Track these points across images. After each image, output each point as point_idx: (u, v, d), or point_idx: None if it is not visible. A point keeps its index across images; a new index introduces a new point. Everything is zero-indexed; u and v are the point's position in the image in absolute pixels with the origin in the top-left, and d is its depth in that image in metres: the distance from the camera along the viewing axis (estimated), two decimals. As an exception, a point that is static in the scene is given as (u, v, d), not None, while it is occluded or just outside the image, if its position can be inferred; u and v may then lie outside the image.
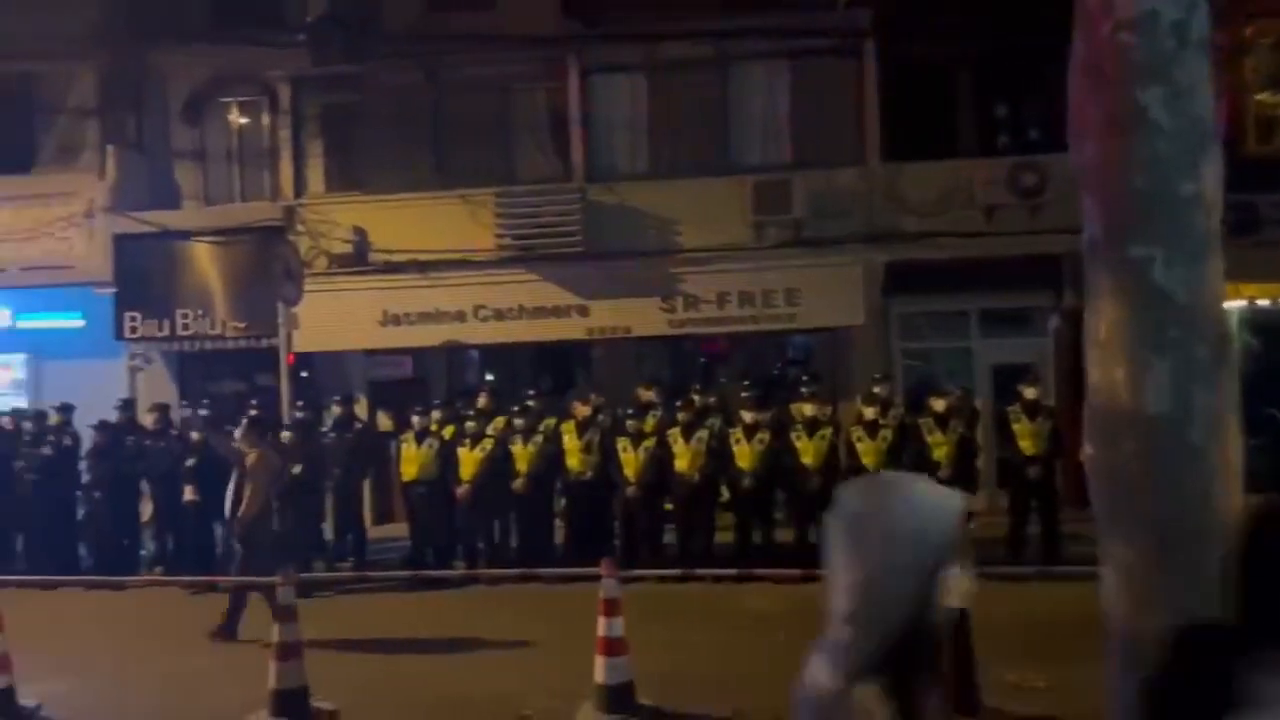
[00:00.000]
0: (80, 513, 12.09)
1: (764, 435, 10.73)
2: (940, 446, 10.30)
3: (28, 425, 12.30)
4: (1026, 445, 10.41)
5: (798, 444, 10.63)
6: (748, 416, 10.81)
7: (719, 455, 10.76)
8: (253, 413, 10.10)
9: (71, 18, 13.74)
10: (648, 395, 11.71)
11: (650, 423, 10.98)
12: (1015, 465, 10.52)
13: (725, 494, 11.02)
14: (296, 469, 11.02)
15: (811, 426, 10.69)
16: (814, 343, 14.47)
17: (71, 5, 13.77)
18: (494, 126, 14.59)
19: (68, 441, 12.07)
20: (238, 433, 9.37)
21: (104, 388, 13.31)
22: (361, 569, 11.39)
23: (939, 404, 10.54)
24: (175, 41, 14.31)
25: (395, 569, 11.34)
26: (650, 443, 10.80)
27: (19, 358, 15.33)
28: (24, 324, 15.13)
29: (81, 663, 8.06)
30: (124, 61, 14.75)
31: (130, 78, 14.93)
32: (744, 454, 10.68)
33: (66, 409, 12.25)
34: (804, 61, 14.11)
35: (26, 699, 6.88)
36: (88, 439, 12.04)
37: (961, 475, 9.91)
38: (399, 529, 12.26)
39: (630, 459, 10.78)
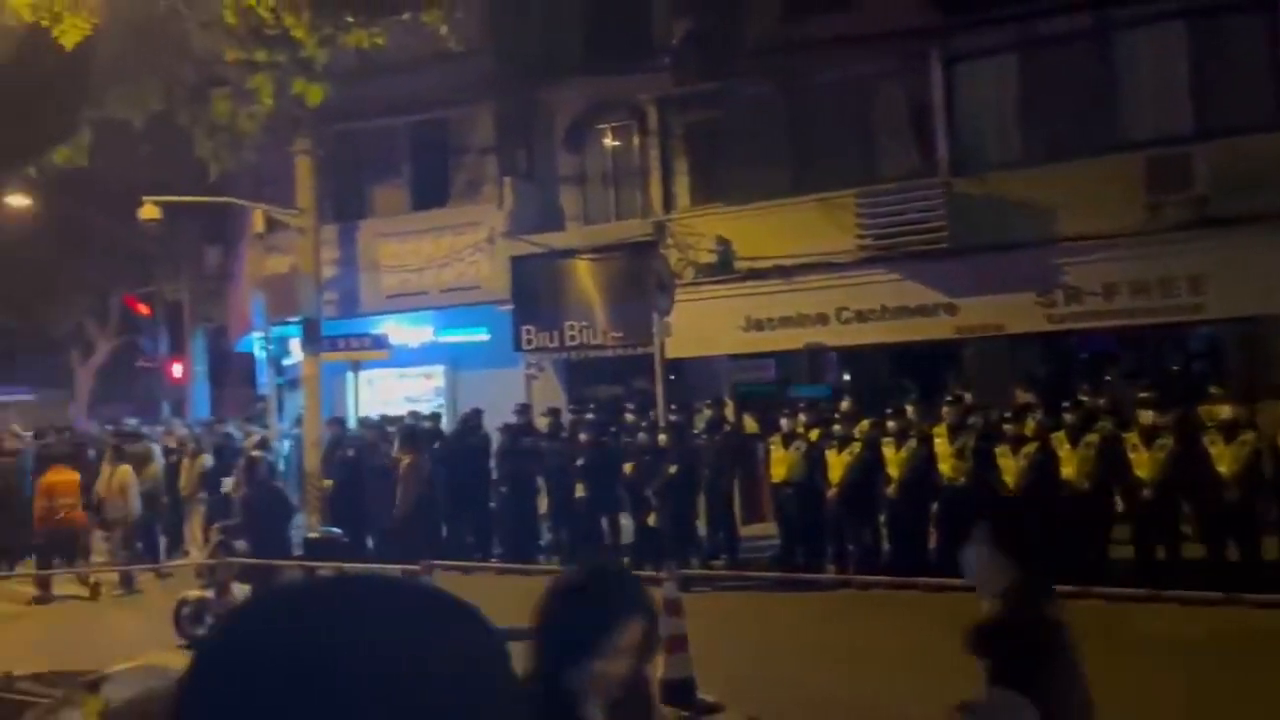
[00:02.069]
0: (491, 504, 13.65)
1: (1166, 440, 9.68)
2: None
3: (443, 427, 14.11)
4: None
5: (1212, 450, 9.47)
6: (1147, 419, 9.81)
7: (1112, 462, 9.87)
8: (409, 424, 10.90)
9: (472, 68, 15.57)
10: (1025, 397, 11.03)
11: (1030, 426, 10.32)
12: None
13: (1120, 505, 10.07)
14: (672, 469, 11.67)
15: (1229, 431, 9.48)
16: (1223, 335, 12.81)
17: (471, 57, 15.61)
18: (852, 127, 14.49)
19: (478, 441, 13.66)
20: (397, 441, 10.13)
21: (505, 394, 14.92)
22: (734, 567, 11.78)
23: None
24: (556, 78, 15.74)
25: (765, 568, 11.61)
26: (1031, 448, 10.14)
27: (439, 368, 17.62)
28: (443, 339, 17.36)
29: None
30: (514, 101, 16.48)
31: (520, 115, 16.64)
32: (1142, 461, 9.71)
33: (477, 413, 13.88)
34: (1203, 20, 12.56)
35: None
36: (496, 440, 13.56)
37: None
38: (767, 529, 12.54)
39: (1009, 465, 10.20)
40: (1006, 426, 10.38)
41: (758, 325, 14.34)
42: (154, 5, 6.95)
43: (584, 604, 2.07)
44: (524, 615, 2.11)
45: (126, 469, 12.87)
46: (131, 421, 19.69)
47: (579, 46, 15.80)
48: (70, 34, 6.60)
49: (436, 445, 13.74)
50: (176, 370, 24.38)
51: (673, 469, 11.67)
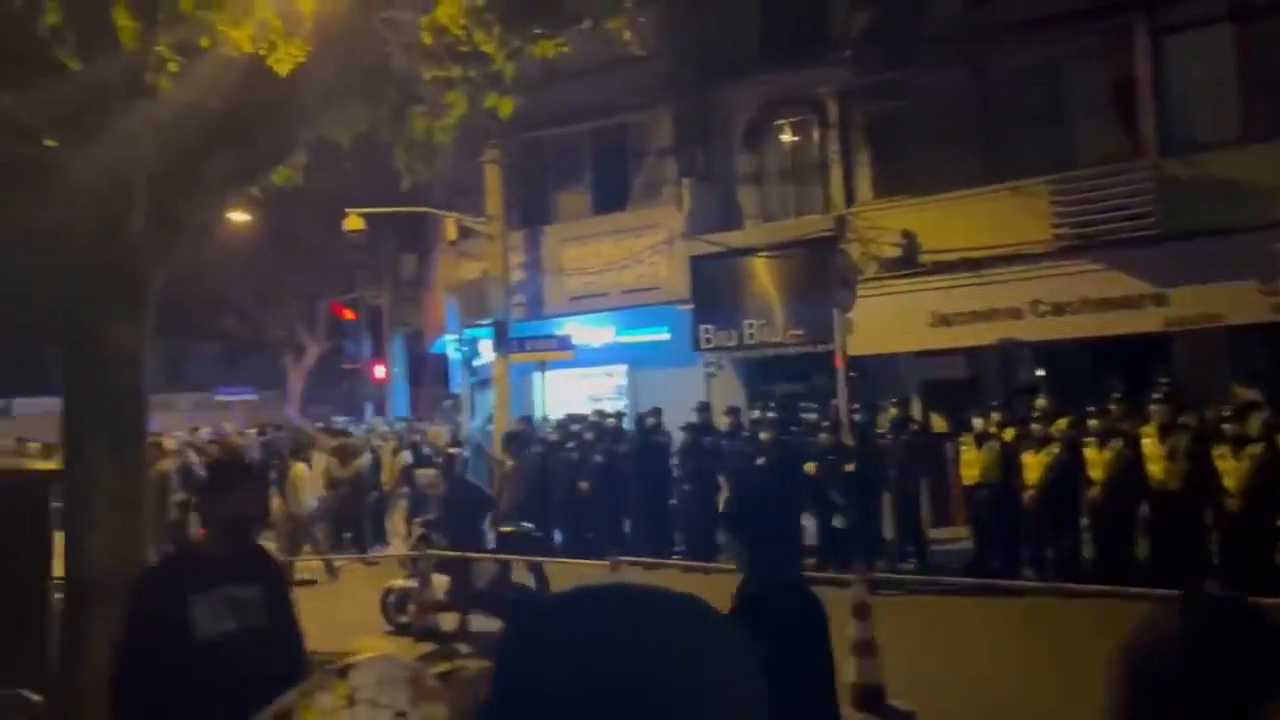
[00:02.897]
0: (672, 502, 13.81)
1: None
2: None
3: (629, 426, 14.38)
4: None
5: None
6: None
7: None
8: (511, 429, 10.84)
9: (650, 72, 15.78)
10: (1247, 394, 10.17)
11: (1255, 425, 9.51)
12: None
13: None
14: (850, 467, 11.47)
15: None
16: None
17: (650, 61, 15.83)
18: (1046, 111, 13.78)
19: (661, 440, 13.85)
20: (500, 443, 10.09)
21: (685, 392, 15.04)
22: (924, 571, 11.44)
23: None
24: (733, 77, 15.74)
25: (957, 573, 11.20)
26: (1257, 449, 9.34)
27: (621, 368, 17.97)
28: (624, 339, 17.69)
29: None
30: (692, 102, 16.59)
31: (698, 116, 16.74)
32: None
33: (657, 411, 14.07)
34: None
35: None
36: (677, 438, 13.72)
37: None
38: (957, 531, 12.10)
39: (1229, 467, 9.44)
40: (1226, 426, 9.61)
41: (945, 321, 13.86)
42: (360, 31, 7.41)
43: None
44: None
45: (300, 467, 13.82)
46: (339, 419, 21.13)
47: (756, 44, 15.74)
48: (285, 62, 7.08)
49: (621, 443, 14.05)
50: (378, 371, 25.95)
51: (850, 467, 11.45)
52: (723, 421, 13.68)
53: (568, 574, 10.20)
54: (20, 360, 27.79)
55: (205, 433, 18.53)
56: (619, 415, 15.12)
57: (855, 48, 13.80)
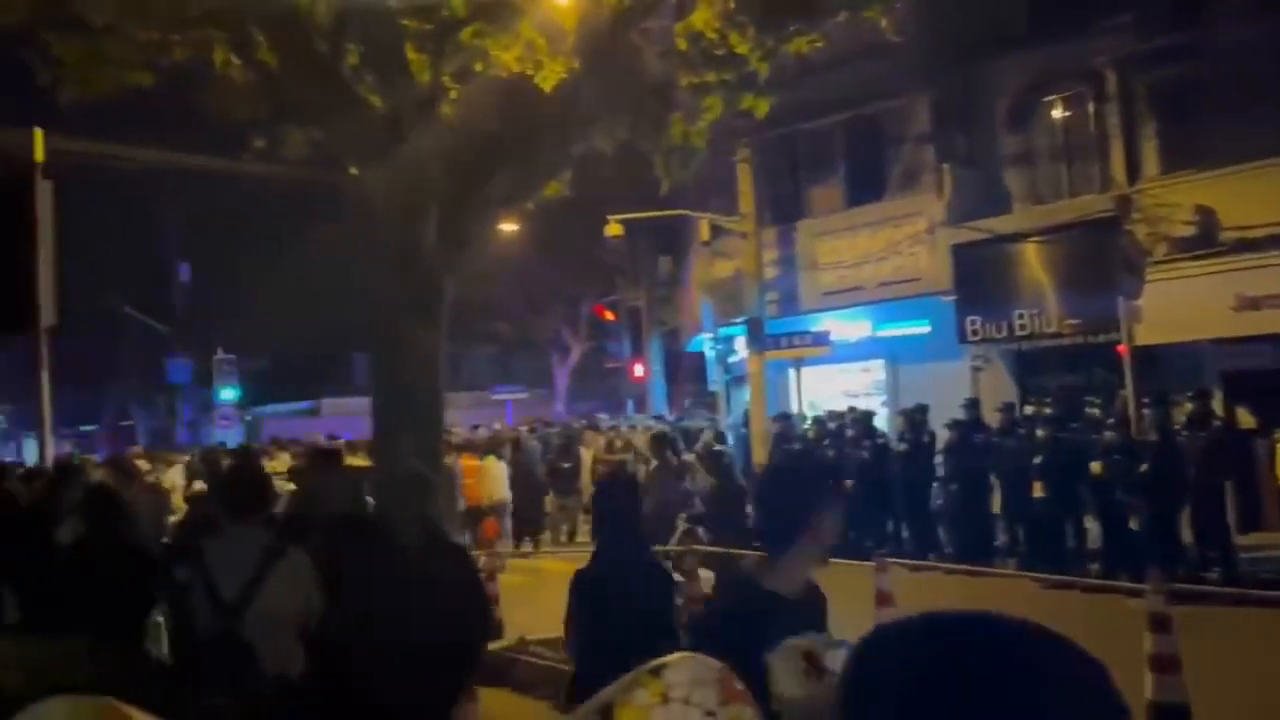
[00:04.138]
0: (938, 502, 13.30)
1: None
2: None
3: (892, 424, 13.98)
4: None
5: None
6: None
7: None
8: (659, 430, 10.30)
9: (906, 57, 15.24)
10: None
11: None
12: None
13: None
14: (1143, 467, 10.54)
15: None
16: None
17: (906, 45, 15.30)
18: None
19: (926, 438, 13.37)
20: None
21: (949, 388, 14.43)
22: (1231, 581, 10.32)
23: None
24: (996, 54, 14.90)
25: (1271, 584, 10.02)
26: None
27: (878, 363, 17.53)
28: (882, 333, 17.24)
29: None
30: (951, 84, 15.88)
31: (958, 98, 16.00)
32: None
33: (922, 409, 13.58)
34: None
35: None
36: (941, 436, 13.19)
37: None
38: (1270, 538, 10.84)
39: None
40: None
41: (1253, 304, 12.44)
42: (619, 44, 7.69)
43: None
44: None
45: (491, 459, 14.50)
46: (603, 416, 22.03)
47: (1021, 18, 14.83)
48: (549, 79, 7.46)
49: (879, 441, 13.72)
50: (638, 370, 26.79)
51: (1143, 467, 10.52)
52: (994, 418, 13.00)
53: (827, 573, 10.07)
54: (328, 366, 31.17)
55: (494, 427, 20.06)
56: (868, 415, 14.73)
57: (1137, 11, 12.65)
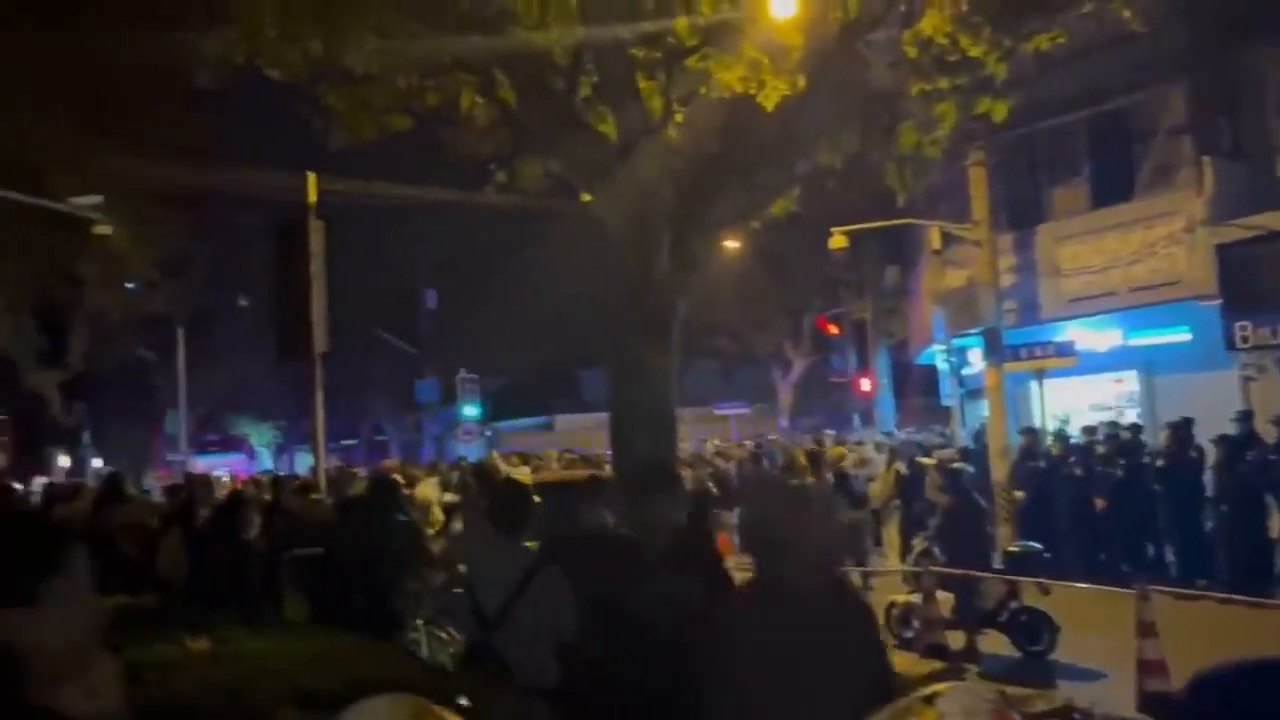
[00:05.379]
0: (1208, 525, 12.16)
1: None
2: None
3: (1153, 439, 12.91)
4: None
5: None
6: None
7: None
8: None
9: (1157, 46, 14.12)
10: None
11: None
12: None
13: None
14: None
15: None
16: None
17: (1153, 33, 14.18)
18: None
19: (1192, 454, 12.27)
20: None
21: (1215, 399, 13.20)
22: None
23: None
24: (1267, 35, 13.52)
25: None
26: None
27: (1130, 374, 16.28)
28: (1134, 341, 16.00)
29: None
30: (1212, 72, 14.54)
31: (1220, 86, 14.63)
32: None
33: (1187, 423, 12.48)
34: None
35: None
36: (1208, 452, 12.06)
37: None
38: None
39: None
40: None
41: None
42: (846, 57, 7.60)
43: None
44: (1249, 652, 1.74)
45: None
46: (829, 432, 21.69)
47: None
48: (770, 96, 7.46)
49: (1148, 459, 12.75)
50: (864, 384, 26.21)
51: None
52: (1268, 431, 11.76)
53: (1080, 599, 9.43)
54: (559, 383, 32.59)
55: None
56: (1136, 428, 13.68)
57: None
